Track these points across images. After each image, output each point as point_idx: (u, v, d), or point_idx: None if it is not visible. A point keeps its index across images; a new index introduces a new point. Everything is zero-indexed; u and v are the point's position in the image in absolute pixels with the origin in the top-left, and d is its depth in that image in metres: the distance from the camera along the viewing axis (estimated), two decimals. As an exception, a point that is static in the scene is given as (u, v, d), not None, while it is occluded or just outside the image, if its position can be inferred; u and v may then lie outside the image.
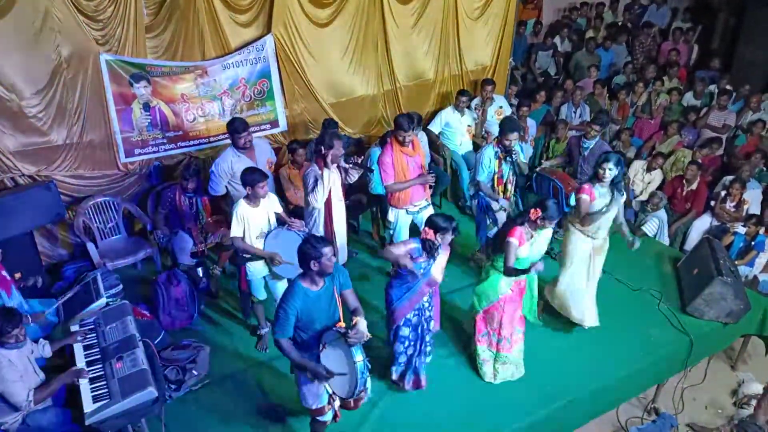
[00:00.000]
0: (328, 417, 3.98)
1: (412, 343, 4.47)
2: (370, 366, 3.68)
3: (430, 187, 5.57)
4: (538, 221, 4.37)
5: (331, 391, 3.84)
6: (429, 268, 4.26)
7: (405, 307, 4.34)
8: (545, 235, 4.56)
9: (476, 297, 4.68)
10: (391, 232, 5.60)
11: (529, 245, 4.43)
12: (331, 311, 3.76)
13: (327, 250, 3.58)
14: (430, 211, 5.56)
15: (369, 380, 3.73)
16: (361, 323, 3.67)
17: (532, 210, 4.37)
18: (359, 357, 3.58)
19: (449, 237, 4.21)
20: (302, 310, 3.60)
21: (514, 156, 5.35)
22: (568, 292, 5.10)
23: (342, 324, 3.73)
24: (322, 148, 4.80)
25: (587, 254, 5.01)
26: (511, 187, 5.56)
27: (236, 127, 5.29)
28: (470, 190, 5.84)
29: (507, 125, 5.41)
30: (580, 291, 5.08)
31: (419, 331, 4.46)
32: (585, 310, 5.09)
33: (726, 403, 5.74)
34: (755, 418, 4.92)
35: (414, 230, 5.54)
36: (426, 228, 4.21)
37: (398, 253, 4.16)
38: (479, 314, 4.67)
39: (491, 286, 4.57)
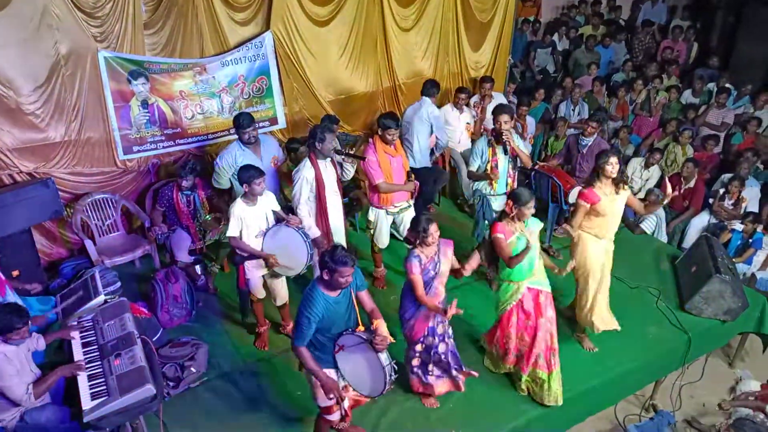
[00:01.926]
0: (335, 417, 3.95)
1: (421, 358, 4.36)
2: (396, 368, 3.73)
3: (411, 194, 5.54)
4: (515, 211, 4.32)
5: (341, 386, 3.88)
6: (439, 268, 4.17)
7: (422, 319, 4.22)
8: (534, 229, 4.45)
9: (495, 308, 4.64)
10: (372, 232, 5.59)
11: (516, 240, 4.35)
12: (348, 314, 3.75)
13: (345, 270, 3.50)
14: (411, 212, 5.56)
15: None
16: (382, 327, 3.69)
17: (506, 204, 4.36)
18: (386, 360, 3.62)
19: (425, 238, 4.06)
20: (323, 316, 3.59)
21: (504, 139, 5.31)
22: (603, 304, 4.97)
23: (362, 328, 3.72)
24: (315, 142, 4.81)
25: (602, 257, 4.89)
26: (512, 183, 5.55)
27: (241, 122, 5.36)
28: (470, 188, 5.82)
29: (497, 108, 5.43)
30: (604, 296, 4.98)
31: (431, 352, 4.30)
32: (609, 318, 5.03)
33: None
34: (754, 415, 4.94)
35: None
36: (409, 231, 4.17)
37: (431, 303, 4.05)
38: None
39: (503, 295, 4.53)
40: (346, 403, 3.91)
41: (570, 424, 4.87)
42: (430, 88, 6.47)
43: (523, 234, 4.34)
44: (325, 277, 3.55)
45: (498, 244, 4.36)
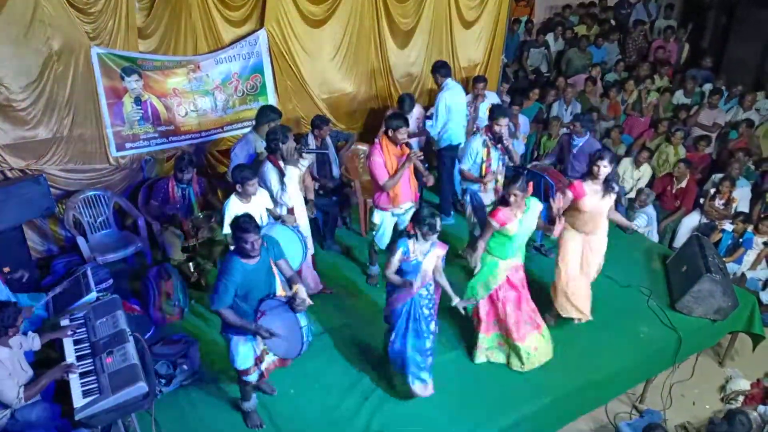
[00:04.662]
0: (253, 378, 4.14)
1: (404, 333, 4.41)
2: (313, 328, 4.05)
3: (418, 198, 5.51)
4: (516, 196, 4.40)
5: (260, 352, 4.11)
6: (420, 264, 4.23)
7: (402, 297, 4.33)
8: (534, 210, 4.55)
9: (473, 288, 4.72)
10: (374, 233, 5.59)
11: (518, 223, 4.46)
12: (268, 282, 3.92)
13: (247, 236, 3.67)
14: None
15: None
16: (301, 291, 3.89)
17: (507, 192, 4.45)
18: (304, 322, 3.83)
19: (428, 232, 4.09)
20: (242, 283, 3.75)
21: (505, 142, 5.34)
22: (566, 288, 5.11)
23: (283, 293, 3.93)
24: (279, 143, 4.81)
25: (579, 249, 5.02)
26: (501, 179, 5.57)
27: (266, 113, 5.51)
28: (462, 184, 5.82)
29: (497, 111, 5.43)
30: (577, 286, 5.10)
31: (410, 321, 4.39)
32: (580, 306, 5.14)
33: (714, 399, 5.79)
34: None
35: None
36: (410, 221, 4.24)
37: (395, 279, 4.22)
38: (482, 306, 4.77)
39: (489, 272, 4.63)
40: (264, 365, 4.17)
41: (561, 422, 4.89)
42: (448, 68, 6.63)
43: (522, 220, 4.49)
44: (232, 244, 3.77)
45: (485, 228, 4.54)
